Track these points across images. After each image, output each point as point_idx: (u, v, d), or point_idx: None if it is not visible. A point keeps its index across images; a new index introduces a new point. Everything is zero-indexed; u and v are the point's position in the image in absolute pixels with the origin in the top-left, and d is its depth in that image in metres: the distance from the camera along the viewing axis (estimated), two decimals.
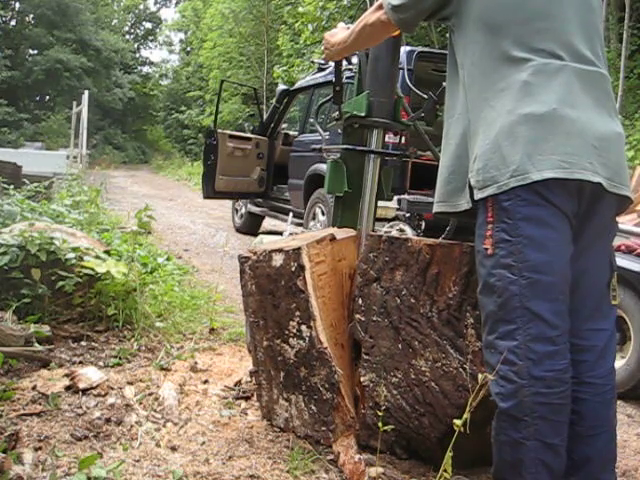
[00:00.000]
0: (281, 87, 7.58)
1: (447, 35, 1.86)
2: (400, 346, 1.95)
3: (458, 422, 1.50)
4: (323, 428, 2.01)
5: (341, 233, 2.34)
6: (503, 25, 1.57)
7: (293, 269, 1.99)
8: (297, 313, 2.00)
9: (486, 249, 1.53)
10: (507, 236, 1.49)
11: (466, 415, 1.50)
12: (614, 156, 1.55)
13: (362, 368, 2.01)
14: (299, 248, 2.00)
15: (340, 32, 2.09)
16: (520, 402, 1.47)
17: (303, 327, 1.99)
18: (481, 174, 1.53)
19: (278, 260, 2.02)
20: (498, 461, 1.57)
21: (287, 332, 2.03)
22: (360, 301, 2.01)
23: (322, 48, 2.17)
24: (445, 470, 1.53)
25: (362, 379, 2.00)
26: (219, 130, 6.82)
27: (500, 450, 1.55)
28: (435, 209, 1.80)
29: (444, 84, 1.84)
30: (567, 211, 1.51)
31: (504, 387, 1.49)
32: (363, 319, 2.00)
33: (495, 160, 1.51)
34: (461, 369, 1.84)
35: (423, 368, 1.92)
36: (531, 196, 1.48)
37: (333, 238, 2.20)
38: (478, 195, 1.54)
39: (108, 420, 2.03)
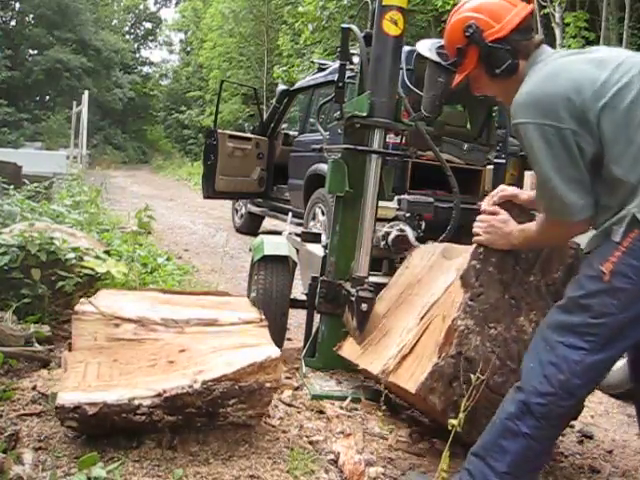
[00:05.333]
0: (281, 87, 7.57)
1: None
2: (508, 302, 1.97)
3: (454, 422, 1.52)
4: None
5: None
6: None
7: None
8: None
9: (603, 272, 1.47)
10: (632, 274, 1.44)
11: (461, 415, 1.51)
12: None
13: (462, 312, 1.95)
14: None
15: (509, 223, 1.88)
16: (545, 405, 1.49)
17: None
18: None
19: None
20: (488, 441, 1.57)
21: None
22: (480, 249, 1.98)
23: (484, 226, 1.92)
24: (444, 470, 1.54)
25: (459, 322, 1.93)
26: (219, 130, 6.82)
27: (500, 433, 1.55)
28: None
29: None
30: None
31: (542, 384, 1.50)
32: (478, 266, 1.98)
33: None
34: None
35: (525, 327, 1.95)
36: None
37: None
38: None
39: None
